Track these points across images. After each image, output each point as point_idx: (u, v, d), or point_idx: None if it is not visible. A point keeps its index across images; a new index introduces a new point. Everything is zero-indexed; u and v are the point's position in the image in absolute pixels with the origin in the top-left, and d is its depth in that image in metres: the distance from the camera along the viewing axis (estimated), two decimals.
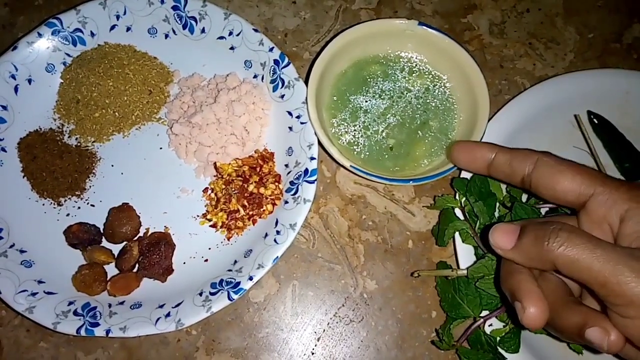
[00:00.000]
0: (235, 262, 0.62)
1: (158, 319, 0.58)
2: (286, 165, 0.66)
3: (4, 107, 0.67)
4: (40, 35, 0.68)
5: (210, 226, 0.65)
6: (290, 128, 0.66)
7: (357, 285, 0.65)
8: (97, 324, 0.58)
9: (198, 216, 0.66)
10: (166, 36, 0.71)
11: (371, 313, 0.64)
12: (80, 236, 0.63)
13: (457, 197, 0.62)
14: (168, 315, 0.59)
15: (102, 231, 0.65)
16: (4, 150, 0.67)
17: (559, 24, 0.78)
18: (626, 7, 0.79)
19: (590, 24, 0.78)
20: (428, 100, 0.68)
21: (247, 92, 0.67)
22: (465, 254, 0.61)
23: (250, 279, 0.59)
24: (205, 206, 0.66)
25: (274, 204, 0.64)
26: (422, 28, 0.65)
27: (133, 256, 0.62)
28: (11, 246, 0.63)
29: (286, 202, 0.63)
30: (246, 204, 0.64)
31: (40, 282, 0.61)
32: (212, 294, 0.59)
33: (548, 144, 0.67)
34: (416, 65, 0.69)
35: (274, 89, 0.68)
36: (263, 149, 0.68)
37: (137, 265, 0.63)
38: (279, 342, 0.64)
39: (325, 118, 0.66)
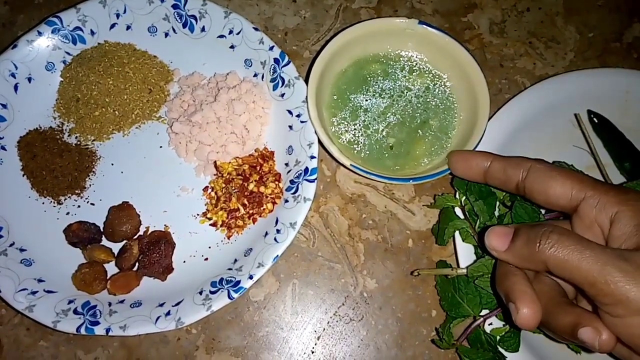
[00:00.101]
0: (236, 260, 0.62)
1: (158, 317, 0.58)
2: (286, 164, 0.66)
3: (4, 106, 0.67)
4: (40, 33, 0.68)
5: (211, 225, 0.65)
6: (291, 127, 0.66)
7: (357, 284, 0.65)
8: (97, 323, 0.58)
9: (198, 215, 0.66)
10: (166, 35, 0.71)
11: (371, 312, 0.64)
12: (80, 235, 0.63)
13: (457, 196, 0.62)
14: (168, 313, 0.59)
15: (102, 230, 0.65)
16: (3, 148, 0.67)
17: (559, 23, 0.78)
18: (626, 7, 0.79)
19: (591, 23, 0.78)
20: (428, 99, 0.68)
21: (247, 91, 0.67)
22: (465, 253, 0.61)
23: (251, 277, 0.59)
24: (205, 205, 0.66)
25: (274, 203, 0.64)
26: (423, 27, 0.65)
27: (133, 255, 0.62)
28: (11, 245, 0.63)
29: (286, 201, 0.63)
30: (246, 202, 0.64)
31: (40, 280, 0.61)
32: (212, 292, 0.59)
33: (548, 143, 0.67)
34: (416, 64, 0.69)
35: (274, 88, 0.68)
36: (263, 148, 0.68)
37: (137, 264, 0.63)
38: (279, 340, 0.64)
39: (325, 117, 0.66)
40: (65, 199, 0.66)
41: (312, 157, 0.63)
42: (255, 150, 0.67)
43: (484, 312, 0.58)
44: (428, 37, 0.66)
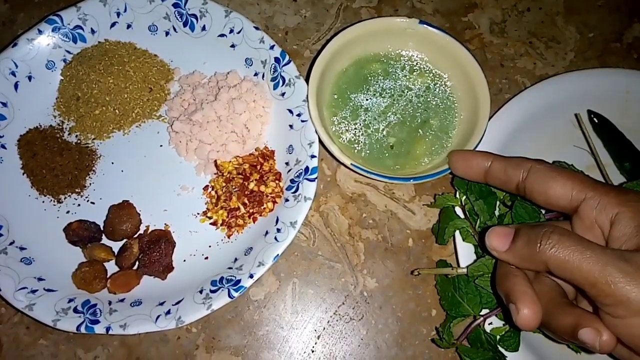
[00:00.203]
0: (236, 259, 0.62)
1: (158, 316, 0.58)
2: (287, 163, 0.66)
3: (4, 104, 0.67)
4: (40, 32, 0.68)
5: (211, 224, 0.65)
6: (291, 126, 0.66)
7: (357, 284, 0.65)
8: (97, 322, 0.58)
9: (198, 214, 0.66)
10: (167, 34, 0.71)
11: (371, 311, 0.64)
12: (80, 233, 0.63)
13: (457, 195, 0.62)
14: (168, 312, 0.59)
15: (102, 229, 0.65)
16: (3, 147, 0.67)
17: (560, 23, 0.78)
18: (626, 7, 0.79)
19: (591, 24, 0.78)
20: (429, 99, 0.68)
21: (247, 90, 0.67)
22: (466, 253, 0.61)
23: (251, 276, 0.59)
24: (205, 204, 0.66)
25: (274, 202, 0.64)
26: (423, 26, 0.65)
27: (133, 254, 0.62)
28: (11, 243, 0.63)
29: (287, 200, 0.63)
30: (247, 201, 0.64)
31: (40, 279, 0.61)
32: (212, 291, 0.59)
33: (548, 143, 0.67)
34: (417, 63, 0.69)
35: (275, 87, 0.68)
36: (264, 147, 0.68)
37: (137, 263, 0.63)
38: (279, 340, 0.64)
39: (325, 116, 0.66)
40: (66, 198, 0.66)
41: (313, 156, 0.63)
42: (255, 149, 0.67)
43: (484, 311, 0.58)
44: (429, 36, 0.66)
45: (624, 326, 0.40)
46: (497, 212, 0.60)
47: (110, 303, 0.60)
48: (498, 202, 0.60)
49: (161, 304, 0.60)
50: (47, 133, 0.67)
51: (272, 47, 0.67)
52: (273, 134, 0.68)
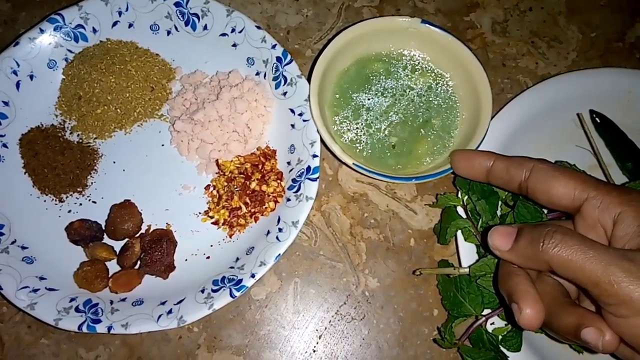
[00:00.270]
0: (237, 259, 0.62)
1: (160, 315, 0.58)
2: (288, 163, 0.66)
3: (6, 103, 0.67)
4: (42, 31, 0.68)
5: (212, 223, 0.65)
6: (293, 125, 0.66)
7: (358, 283, 0.65)
8: (98, 321, 0.58)
9: (200, 213, 0.66)
10: (168, 33, 0.71)
11: (373, 311, 0.64)
12: (82, 233, 0.63)
13: (459, 195, 0.62)
14: (170, 312, 0.59)
15: (103, 228, 0.65)
16: (5, 146, 0.66)
17: (562, 22, 0.78)
18: (629, 7, 0.79)
19: (593, 23, 0.78)
20: (430, 99, 0.67)
21: (249, 89, 0.67)
22: (467, 253, 0.61)
23: (252, 276, 0.59)
24: (207, 203, 0.66)
25: (276, 202, 0.64)
26: (425, 26, 0.65)
27: (135, 253, 0.62)
28: (13, 242, 0.63)
29: (288, 200, 0.63)
30: (248, 201, 0.64)
31: (41, 278, 0.61)
32: (214, 291, 0.59)
33: (550, 142, 0.67)
34: (419, 63, 0.69)
35: (277, 86, 0.68)
36: (265, 147, 0.68)
37: (138, 262, 0.63)
38: (280, 339, 0.64)
39: (327, 116, 0.66)
40: (67, 197, 0.66)
41: (315, 156, 0.63)
42: (257, 149, 0.67)
43: (486, 311, 0.58)
44: (430, 36, 0.66)
45: (626, 326, 0.40)
46: (499, 212, 0.60)
47: (111, 302, 0.60)
48: (500, 202, 0.60)
49: (163, 303, 0.60)
50: (48, 132, 0.67)
51: (273, 47, 0.67)
52: (275, 133, 0.68)
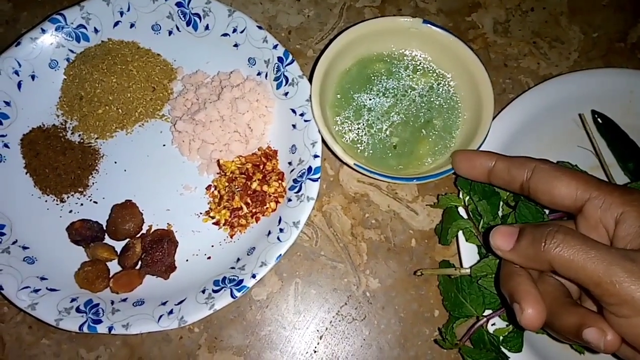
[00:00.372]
0: (238, 259, 0.62)
1: (161, 316, 0.58)
2: (289, 163, 0.66)
3: (7, 103, 0.67)
4: (43, 31, 0.68)
5: (213, 224, 0.65)
6: (294, 126, 0.66)
7: (359, 284, 0.65)
8: (99, 321, 0.58)
9: (201, 213, 0.66)
10: (170, 33, 0.71)
11: (374, 311, 0.64)
12: (83, 233, 0.63)
13: (460, 195, 0.62)
14: (171, 312, 0.59)
15: (104, 228, 0.65)
16: (7, 146, 0.67)
17: (564, 23, 0.78)
18: (631, 6, 0.79)
19: (595, 23, 0.78)
20: (432, 99, 0.67)
21: (250, 90, 0.67)
22: (469, 253, 0.61)
23: (253, 276, 0.59)
24: (208, 204, 0.66)
25: (277, 202, 0.64)
26: (427, 26, 0.65)
27: (136, 253, 0.62)
28: (14, 242, 0.63)
29: (289, 200, 0.63)
30: (249, 201, 0.64)
31: (42, 278, 0.61)
32: (214, 291, 0.59)
33: (552, 143, 0.67)
34: (420, 63, 0.69)
35: (278, 87, 0.68)
36: (266, 147, 0.67)
37: (139, 263, 0.63)
38: (281, 340, 0.63)
39: (329, 116, 0.66)
40: (68, 197, 0.66)
41: (316, 156, 0.63)
42: (258, 149, 0.67)
43: (487, 312, 0.58)
44: (432, 36, 0.66)
45: (628, 326, 0.40)
46: (500, 213, 0.59)
47: (112, 303, 0.60)
48: (501, 203, 0.60)
49: (164, 303, 0.60)
50: (50, 132, 0.67)
51: (275, 47, 0.67)
52: (276, 133, 0.68)
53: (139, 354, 0.63)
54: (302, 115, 0.65)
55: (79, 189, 0.67)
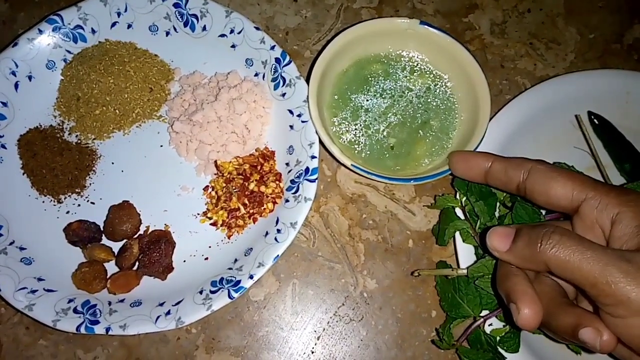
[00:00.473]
0: (236, 260, 0.62)
1: (158, 317, 0.58)
2: (287, 164, 0.66)
3: (4, 104, 0.67)
4: (40, 31, 0.68)
5: (211, 224, 0.65)
6: (291, 126, 0.66)
7: (357, 284, 0.65)
8: (97, 322, 0.58)
9: (198, 214, 0.66)
10: (167, 34, 0.71)
11: (371, 312, 0.64)
12: (80, 234, 0.63)
13: (457, 196, 0.62)
14: (168, 313, 0.59)
15: (102, 229, 0.65)
16: (3, 147, 0.66)
17: (560, 24, 0.78)
18: (627, 8, 0.79)
19: (591, 25, 0.78)
20: (429, 100, 0.68)
21: (248, 90, 0.67)
22: (466, 254, 0.61)
23: (251, 277, 0.59)
24: (205, 204, 0.66)
25: (274, 203, 0.64)
26: (424, 27, 0.65)
27: (133, 254, 0.62)
28: (11, 243, 0.63)
29: (287, 201, 0.63)
30: (247, 202, 0.64)
31: (40, 279, 0.61)
32: (212, 292, 0.59)
33: (548, 144, 0.67)
34: (417, 64, 0.69)
35: (275, 87, 0.68)
36: (264, 147, 0.68)
37: (137, 263, 0.63)
38: (278, 340, 0.64)
39: (326, 117, 0.66)
40: (66, 198, 0.66)
41: (313, 157, 0.63)
42: (256, 150, 0.67)
43: (484, 312, 0.58)
44: (429, 37, 0.66)
45: (624, 326, 0.40)
46: (497, 213, 0.60)
47: (110, 303, 0.60)
48: (498, 203, 0.60)
49: (161, 304, 0.60)
50: (47, 133, 0.67)
51: (272, 48, 0.67)
52: (273, 134, 0.68)
53: (136, 354, 0.63)
54: (299, 116, 0.65)
55: (76, 190, 0.66)
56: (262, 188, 0.64)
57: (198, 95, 0.68)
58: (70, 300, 0.60)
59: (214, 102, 0.66)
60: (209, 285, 0.60)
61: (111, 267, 0.63)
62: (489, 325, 0.58)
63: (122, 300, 0.61)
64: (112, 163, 0.68)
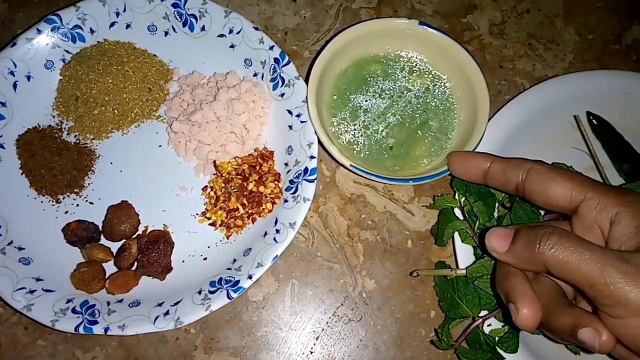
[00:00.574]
0: (235, 260, 0.62)
1: (157, 317, 0.58)
2: (286, 164, 0.66)
3: (3, 104, 0.67)
4: (39, 31, 0.68)
5: (210, 224, 0.65)
6: (290, 127, 0.66)
7: (356, 285, 0.65)
8: (95, 322, 0.58)
9: (197, 214, 0.66)
10: (166, 34, 0.71)
11: (370, 312, 0.64)
12: (79, 234, 0.63)
13: (456, 197, 0.62)
14: (167, 313, 0.59)
15: (100, 229, 0.65)
16: (2, 147, 0.66)
17: (559, 24, 0.78)
18: (626, 9, 0.79)
19: (590, 25, 0.78)
20: (428, 100, 0.68)
21: (247, 91, 0.67)
22: (464, 254, 0.61)
23: (250, 277, 0.59)
24: (204, 204, 0.66)
25: (273, 203, 0.64)
26: (423, 28, 0.65)
27: (132, 254, 0.62)
28: (9, 243, 0.63)
29: (286, 201, 0.63)
30: (245, 202, 0.64)
31: (38, 279, 0.61)
32: (211, 292, 0.59)
33: (547, 144, 0.67)
34: (416, 64, 0.69)
35: (274, 88, 0.68)
36: (263, 148, 0.68)
37: (136, 263, 0.63)
38: (277, 341, 0.64)
39: (325, 117, 0.66)
40: (64, 198, 0.66)
41: (312, 157, 0.63)
42: (254, 150, 0.67)
43: (483, 313, 0.58)
44: (428, 37, 0.66)
45: (623, 326, 0.40)
46: (496, 214, 0.60)
47: (108, 304, 0.60)
48: (497, 204, 0.60)
49: (160, 304, 0.60)
50: (45, 133, 0.67)
51: (271, 48, 0.67)
52: (272, 134, 0.68)
53: (135, 355, 0.63)
54: (298, 116, 0.65)
55: (75, 190, 0.66)
56: (261, 188, 0.64)
57: (197, 95, 0.68)
58: (68, 301, 0.60)
59: (212, 102, 0.66)
60: (207, 286, 0.60)
61: (110, 267, 0.63)
62: (487, 325, 0.58)
63: (120, 301, 0.61)
64: (111, 163, 0.68)
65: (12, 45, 0.67)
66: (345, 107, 0.67)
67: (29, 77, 0.68)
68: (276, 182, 0.65)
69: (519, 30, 0.78)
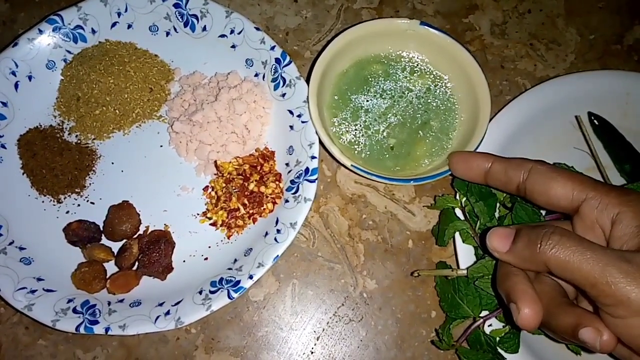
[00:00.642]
0: (235, 260, 0.62)
1: (157, 317, 0.58)
2: (287, 164, 0.66)
3: (4, 104, 0.67)
4: (41, 31, 0.68)
5: (211, 224, 0.65)
6: (291, 127, 0.66)
7: (356, 285, 0.65)
8: (96, 322, 0.58)
9: (198, 214, 0.66)
10: (167, 34, 0.71)
11: (371, 312, 0.64)
12: (80, 234, 0.63)
13: (457, 197, 0.62)
14: (167, 313, 0.59)
15: (101, 229, 0.65)
16: (3, 147, 0.66)
17: (560, 25, 0.78)
18: (627, 9, 0.79)
19: (592, 25, 0.78)
20: (429, 100, 0.68)
21: (248, 91, 0.67)
22: (465, 254, 0.61)
23: (250, 277, 0.59)
24: (205, 204, 0.66)
25: (274, 203, 0.64)
26: (424, 28, 0.65)
27: (133, 254, 0.62)
28: (10, 243, 0.63)
29: (287, 201, 0.63)
30: (246, 202, 0.64)
31: (39, 279, 0.61)
32: (211, 292, 0.59)
33: (548, 144, 0.67)
34: (417, 65, 0.69)
35: (275, 88, 0.68)
36: (264, 148, 0.68)
37: (136, 263, 0.63)
38: (278, 341, 0.63)
39: (326, 117, 0.66)
40: (65, 198, 0.66)
41: (313, 158, 0.63)
42: (255, 150, 0.67)
43: (484, 313, 0.58)
44: (429, 38, 0.66)
45: (624, 326, 0.40)
46: (497, 214, 0.60)
47: (109, 303, 0.60)
48: (498, 204, 0.60)
49: (160, 304, 0.60)
50: (47, 133, 0.67)
51: (272, 48, 0.67)
52: (273, 134, 0.68)
53: (135, 354, 0.63)
54: (299, 116, 0.65)
55: (76, 190, 0.66)
56: (262, 188, 0.64)
57: (198, 96, 0.68)
58: (69, 300, 0.60)
59: (214, 102, 0.66)
60: (208, 286, 0.60)
61: (111, 267, 0.63)
62: (488, 325, 0.58)
63: (121, 300, 0.61)
64: (112, 163, 0.68)
65: (13, 46, 0.67)
66: (346, 107, 0.67)
67: (30, 77, 0.68)
68: (277, 182, 0.65)
69: (521, 30, 0.78)
